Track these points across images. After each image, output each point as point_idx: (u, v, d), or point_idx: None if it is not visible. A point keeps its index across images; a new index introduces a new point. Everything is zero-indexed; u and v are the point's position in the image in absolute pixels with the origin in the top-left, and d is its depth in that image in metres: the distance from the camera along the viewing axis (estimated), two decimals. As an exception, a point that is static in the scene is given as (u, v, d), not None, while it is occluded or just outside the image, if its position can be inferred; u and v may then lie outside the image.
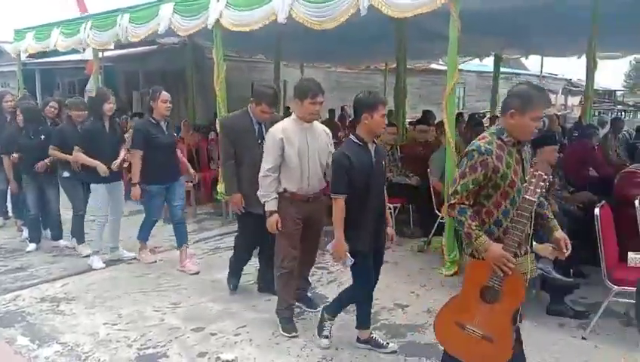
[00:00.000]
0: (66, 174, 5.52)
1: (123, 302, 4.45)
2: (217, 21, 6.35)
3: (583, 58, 8.18)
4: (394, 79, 9.20)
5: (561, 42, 9.48)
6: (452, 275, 4.96)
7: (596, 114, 12.79)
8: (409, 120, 11.03)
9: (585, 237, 4.52)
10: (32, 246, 5.91)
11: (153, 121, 4.99)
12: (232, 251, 4.62)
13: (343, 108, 14.73)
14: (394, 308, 4.30)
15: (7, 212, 6.94)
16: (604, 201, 3.94)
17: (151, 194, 5.12)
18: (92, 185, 5.28)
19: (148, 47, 13.04)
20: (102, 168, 5.07)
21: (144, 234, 5.43)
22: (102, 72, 9.63)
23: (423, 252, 5.80)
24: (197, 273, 5.09)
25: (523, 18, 7.31)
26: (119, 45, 10.03)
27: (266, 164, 3.67)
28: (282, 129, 3.67)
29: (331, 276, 5.07)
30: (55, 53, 10.17)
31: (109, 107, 5.14)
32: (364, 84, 18.46)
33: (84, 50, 9.64)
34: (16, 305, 4.39)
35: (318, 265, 5.31)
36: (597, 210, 3.73)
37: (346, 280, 4.89)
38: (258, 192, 3.75)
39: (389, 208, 6.21)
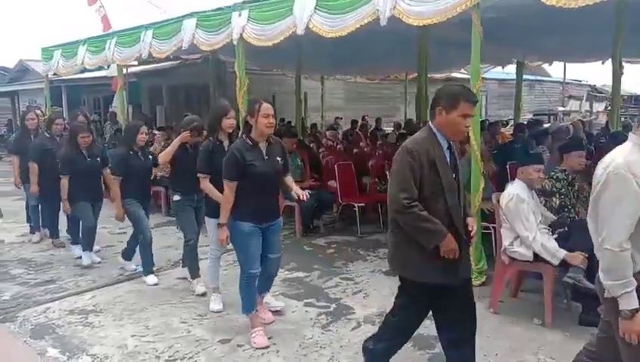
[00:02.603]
0: (176, 197, 4.88)
1: (150, 313, 4.49)
2: (240, 36, 6.44)
3: (607, 64, 8.08)
4: (414, 88, 9.18)
5: (584, 48, 9.36)
6: (480, 285, 4.88)
7: (622, 119, 12.55)
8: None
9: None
10: (86, 258, 5.80)
11: (249, 142, 3.64)
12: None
13: (363, 118, 14.75)
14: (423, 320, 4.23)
15: (40, 227, 6.92)
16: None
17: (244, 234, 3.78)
18: (206, 218, 4.44)
19: (171, 63, 13.30)
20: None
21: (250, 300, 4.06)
22: (126, 87, 9.80)
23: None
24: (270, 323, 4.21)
25: (544, 24, 7.24)
26: (143, 61, 10.24)
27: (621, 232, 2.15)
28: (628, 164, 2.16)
29: (357, 287, 5.03)
30: (81, 69, 10.40)
31: (229, 123, 4.27)
32: (385, 94, 18.51)
33: (108, 66, 9.86)
34: (47, 317, 4.46)
35: (342, 275, 5.31)
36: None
37: (372, 290, 4.88)
38: (604, 280, 2.20)
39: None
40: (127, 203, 5.16)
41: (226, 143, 4.24)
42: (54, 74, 10.58)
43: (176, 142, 4.84)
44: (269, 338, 3.89)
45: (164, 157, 4.98)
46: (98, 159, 5.78)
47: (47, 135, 6.37)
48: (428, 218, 2.71)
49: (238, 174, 3.63)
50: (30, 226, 7.11)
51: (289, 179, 4.00)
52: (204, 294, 4.74)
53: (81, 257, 5.87)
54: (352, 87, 17.55)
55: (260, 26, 6.25)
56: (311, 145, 9.24)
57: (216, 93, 11.23)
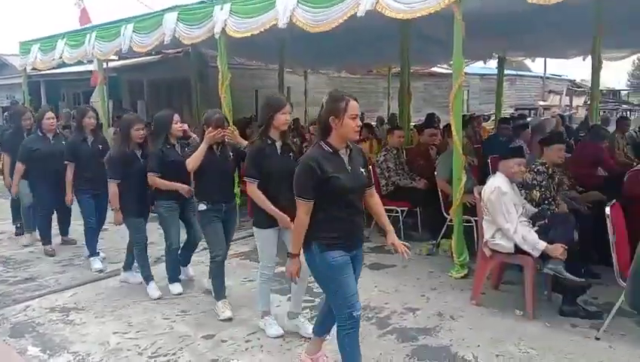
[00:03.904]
0: (202, 207, 4.18)
1: (132, 310, 4.45)
2: (222, 30, 6.38)
3: (587, 59, 8.19)
4: (397, 83, 9.20)
5: (565, 43, 9.47)
6: (462, 278, 4.93)
7: (601, 113, 12.77)
8: (413, 123, 11.05)
9: (595, 237, 4.51)
10: (97, 264, 5.50)
11: (329, 149, 2.95)
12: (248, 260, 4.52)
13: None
14: (404, 312, 4.27)
15: (29, 226, 6.55)
16: (615, 200, 3.91)
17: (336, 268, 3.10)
18: (255, 229, 3.85)
19: (152, 57, 13.14)
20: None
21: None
22: (106, 82, 9.66)
23: (432, 255, 5.77)
24: None
25: (525, 19, 7.30)
26: (123, 55, 10.10)
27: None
28: None
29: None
30: (60, 63, 10.23)
31: (284, 119, 3.63)
32: (368, 89, 18.53)
33: (87, 61, 9.70)
34: (27, 315, 4.39)
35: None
36: (608, 209, 3.70)
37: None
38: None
39: (397, 211, 6.25)
40: (161, 206, 4.55)
41: (278, 144, 3.68)
42: (33, 68, 10.39)
43: (205, 146, 4.09)
44: (253, 333, 3.89)
45: (193, 163, 4.10)
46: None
47: (40, 134, 5.85)
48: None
49: (315, 190, 2.86)
50: (16, 227, 6.90)
51: (377, 202, 3.28)
52: (229, 319, 4.12)
53: (100, 270, 5.42)
54: (335, 82, 17.51)
55: (242, 20, 6.20)
56: (294, 140, 9.21)
57: (198, 88, 11.13)
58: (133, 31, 7.63)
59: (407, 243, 3.09)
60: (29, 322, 4.25)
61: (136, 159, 4.66)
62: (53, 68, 10.75)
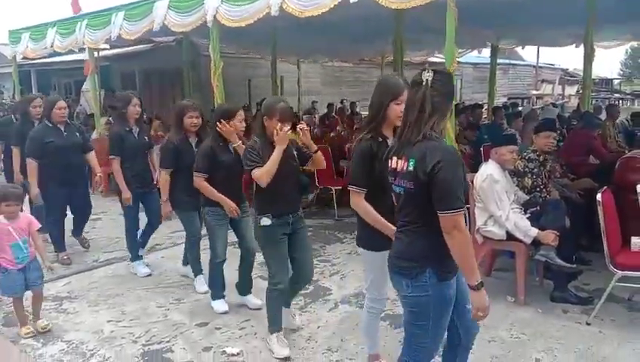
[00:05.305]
0: (265, 222, 3.38)
1: (126, 299, 4.45)
2: (214, 17, 6.33)
3: (579, 48, 8.20)
4: (390, 72, 9.18)
5: (557, 31, 9.48)
6: (454, 265, 4.96)
7: (593, 102, 12.87)
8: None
9: (586, 224, 4.55)
10: (143, 270, 5.03)
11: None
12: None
13: (342, 102, 14.78)
14: (397, 299, 4.23)
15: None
16: (606, 187, 3.94)
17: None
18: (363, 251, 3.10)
19: (144, 46, 13.04)
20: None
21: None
22: (98, 71, 9.58)
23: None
24: None
25: (518, 7, 7.30)
26: (115, 44, 10.00)
27: None
28: None
29: (334, 268, 5.06)
30: (51, 53, 10.13)
31: (399, 110, 2.64)
32: (361, 78, 18.50)
33: (79, 50, 9.61)
34: (20, 304, 4.38)
35: (319, 257, 5.33)
36: (599, 196, 3.72)
37: (349, 272, 4.92)
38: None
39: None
40: (208, 213, 3.95)
41: (390, 141, 2.74)
42: (23, 57, 10.28)
43: (280, 151, 3.22)
44: (246, 320, 3.90)
45: (268, 175, 3.20)
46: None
47: (49, 124, 5.11)
48: None
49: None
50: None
51: None
52: (287, 359, 3.43)
53: (149, 274, 4.96)
54: (328, 71, 17.51)
55: (233, 7, 6.15)
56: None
57: (190, 77, 11.06)
58: (124, 19, 7.57)
59: None
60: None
61: (190, 149, 4.25)
62: (45, 57, 10.65)
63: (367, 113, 3.03)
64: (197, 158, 3.88)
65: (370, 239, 2.86)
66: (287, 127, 3.22)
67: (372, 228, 2.77)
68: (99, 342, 3.69)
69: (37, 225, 3.86)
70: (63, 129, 5.15)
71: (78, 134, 5.32)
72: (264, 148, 3.25)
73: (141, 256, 5.15)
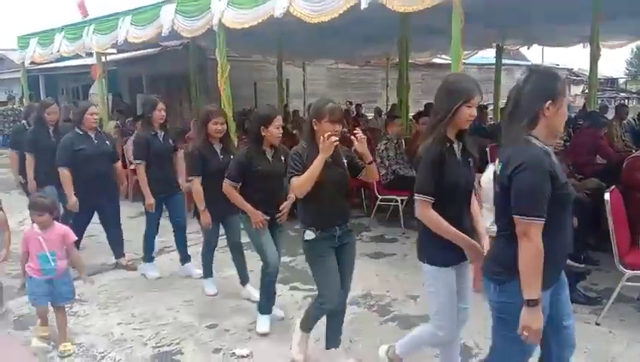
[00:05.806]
0: (310, 235, 3.14)
1: (135, 301, 4.48)
2: (220, 21, 6.38)
3: (584, 48, 8.20)
4: (396, 74, 9.21)
5: (562, 31, 9.46)
6: (462, 266, 4.95)
7: (598, 102, 12.84)
8: (412, 113, 11.07)
9: (594, 224, 4.54)
10: (152, 273, 5.05)
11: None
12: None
13: (349, 103, 14.81)
14: (405, 300, 4.31)
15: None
16: (614, 186, 3.93)
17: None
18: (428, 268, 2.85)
19: (151, 50, 13.12)
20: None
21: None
22: (105, 75, 9.65)
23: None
24: None
25: (523, 7, 7.30)
26: (122, 48, 10.07)
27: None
28: None
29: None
30: (58, 58, 10.22)
31: (469, 113, 2.59)
32: (366, 80, 18.52)
33: (86, 54, 9.69)
34: (30, 308, 4.39)
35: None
36: (607, 195, 3.72)
37: (356, 273, 4.92)
38: None
39: (397, 200, 6.28)
40: (247, 219, 3.75)
41: (456, 147, 2.64)
42: (32, 62, 10.38)
43: (323, 158, 2.93)
44: (255, 322, 3.91)
45: (306, 186, 2.96)
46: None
47: (80, 132, 4.93)
48: None
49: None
50: None
51: None
52: None
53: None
54: (333, 73, 17.53)
55: (239, 11, 6.19)
56: (294, 131, 9.23)
57: (197, 81, 11.13)
58: (131, 23, 7.63)
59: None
60: (32, 314, 4.25)
61: (215, 156, 4.20)
62: (52, 62, 10.73)
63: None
64: (230, 165, 3.79)
65: (437, 252, 2.65)
66: (337, 130, 2.99)
67: (439, 239, 2.60)
68: (109, 345, 3.72)
69: (73, 237, 3.70)
70: (93, 137, 5.01)
71: (108, 142, 5.21)
72: (311, 155, 2.99)
73: (153, 256, 5.14)
